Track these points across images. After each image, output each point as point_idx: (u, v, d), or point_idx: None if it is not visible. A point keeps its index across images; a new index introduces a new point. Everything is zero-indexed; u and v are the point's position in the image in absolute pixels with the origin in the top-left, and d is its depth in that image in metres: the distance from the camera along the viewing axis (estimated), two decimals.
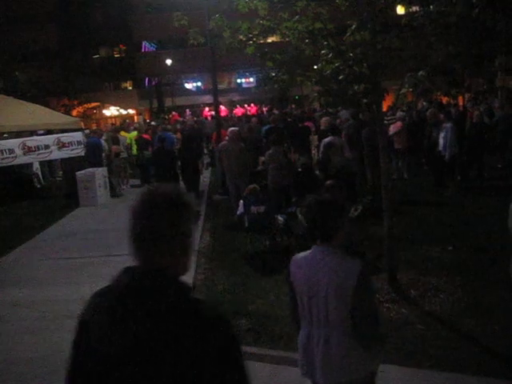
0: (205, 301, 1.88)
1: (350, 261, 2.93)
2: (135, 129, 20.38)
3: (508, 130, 12.79)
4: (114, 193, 14.86)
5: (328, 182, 8.64)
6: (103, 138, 15.67)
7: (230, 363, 1.80)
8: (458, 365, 4.75)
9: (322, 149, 10.85)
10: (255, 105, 36.65)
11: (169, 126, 20.51)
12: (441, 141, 11.39)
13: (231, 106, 37.14)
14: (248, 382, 1.91)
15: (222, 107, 34.86)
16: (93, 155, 14.80)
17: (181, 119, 28.92)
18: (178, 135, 17.18)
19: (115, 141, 15.96)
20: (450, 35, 6.31)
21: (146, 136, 17.95)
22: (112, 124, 29.83)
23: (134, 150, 17.38)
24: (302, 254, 3.11)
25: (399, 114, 13.61)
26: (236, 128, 12.06)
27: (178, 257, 1.85)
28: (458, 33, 6.33)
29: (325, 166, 9.97)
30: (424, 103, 17.76)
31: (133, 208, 1.86)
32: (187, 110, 36.88)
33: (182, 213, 1.83)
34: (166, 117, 32.06)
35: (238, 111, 34.67)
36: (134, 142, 17.57)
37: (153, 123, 23.16)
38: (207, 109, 35.00)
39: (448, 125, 11.32)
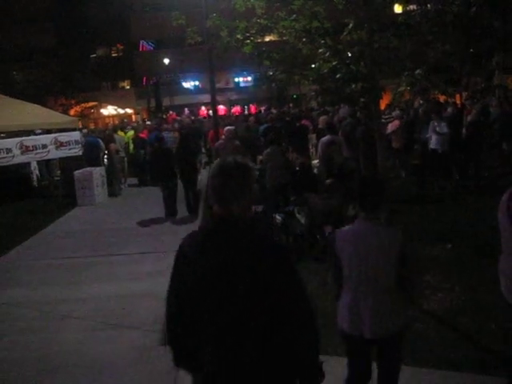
0: (267, 234, 2.59)
1: (393, 229, 3.55)
2: (132, 128, 20.40)
3: (504, 129, 12.79)
4: (113, 192, 14.86)
5: (328, 181, 8.67)
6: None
7: (288, 275, 2.43)
8: (456, 363, 4.76)
9: (321, 147, 10.84)
10: (253, 104, 36.67)
11: (165, 125, 20.55)
12: (433, 138, 11.48)
13: (230, 104, 37.14)
14: (305, 291, 2.51)
15: (221, 106, 34.93)
16: (91, 154, 14.79)
17: (178, 118, 28.90)
18: (176, 134, 17.18)
19: (111, 140, 15.96)
20: (447, 34, 6.33)
21: (142, 135, 17.97)
22: (111, 124, 29.82)
23: (131, 149, 17.40)
24: (346, 228, 3.63)
25: (396, 112, 13.60)
26: (232, 127, 12.05)
27: (245, 206, 2.50)
28: (455, 31, 6.36)
29: (327, 164, 9.98)
30: (421, 102, 17.75)
31: (212, 172, 2.52)
32: (185, 109, 36.87)
33: (246, 174, 2.51)
34: (164, 116, 32.03)
35: (236, 110, 34.68)
36: (130, 141, 17.60)
37: (148, 122, 23.12)
38: (203, 108, 34.99)
39: (442, 123, 11.33)
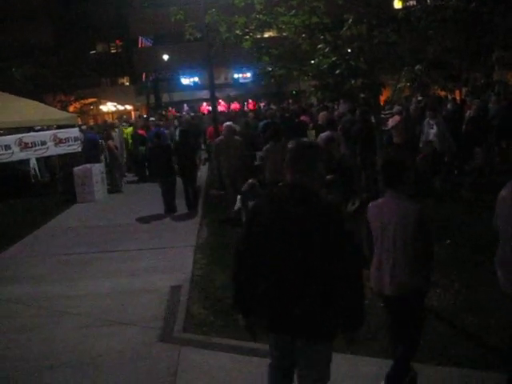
0: (331, 201, 3.32)
1: (412, 203, 3.97)
2: (131, 125, 20.39)
3: (503, 125, 12.75)
4: (114, 188, 14.87)
5: (327, 177, 8.64)
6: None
7: (342, 231, 3.06)
8: (455, 359, 4.75)
9: (320, 143, 10.81)
10: (253, 100, 36.60)
11: (161, 122, 20.55)
12: (431, 135, 11.10)
13: (229, 101, 37.08)
14: (353, 245, 3.14)
15: (222, 102, 34.88)
16: (90, 151, 14.79)
17: (178, 114, 28.87)
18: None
19: (109, 136, 15.96)
20: (446, 29, 6.30)
21: (141, 131, 17.97)
22: (110, 120, 29.82)
23: (129, 146, 17.39)
24: (375, 202, 4.23)
25: (397, 107, 13.56)
26: (230, 122, 12.02)
27: (314, 178, 3.16)
28: (455, 27, 6.33)
29: (327, 160, 9.94)
30: (419, 97, 17.73)
31: (290, 149, 3.25)
32: (185, 105, 36.83)
33: (316, 152, 3.26)
34: (163, 112, 31.99)
35: (235, 106, 34.63)
36: (129, 137, 17.58)
37: (151, 118, 23.09)
38: (205, 104, 34.92)
39: (439, 120, 11.08)
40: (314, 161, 3.19)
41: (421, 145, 11.21)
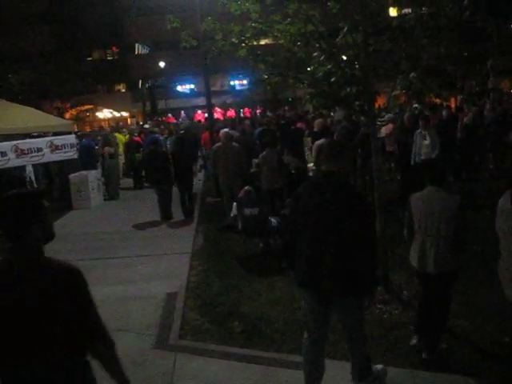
0: (352, 185, 5.45)
1: (453, 196, 4.86)
2: (128, 132, 20.44)
3: (498, 132, 12.83)
4: (110, 195, 14.86)
5: None
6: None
7: (364, 209, 4.04)
8: (450, 365, 4.77)
9: (315, 151, 10.83)
10: (249, 108, 36.65)
11: (155, 129, 20.60)
12: (424, 147, 10.51)
13: (225, 108, 37.13)
14: (372, 223, 4.25)
15: (218, 109, 34.92)
16: (86, 158, 14.79)
17: (176, 121, 28.90)
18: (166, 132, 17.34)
19: (107, 142, 15.96)
20: (441, 37, 6.34)
21: (137, 139, 17.98)
22: (109, 127, 29.83)
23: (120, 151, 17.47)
24: (418, 194, 4.96)
25: (389, 115, 13.58)
26: (227, 129, 12.04)
27: (342, 169, 4.12)
28: (450, 35, 6.37)
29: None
30: (415, 105, 17.81)
31: (325, 146, 4.36)
32: (182, 112, 36.85)
33: (344, 149, 4.29)
34: (160, 119, 32.00)
35: (231, 113, 34.67)
36: (120, 144, 17.67)
37: (147, 125, 23.08)
38: (199, 111, 34.96)
39: (431, 131, 10.62)
40: (343, 156, 4.17)
41: (412, 156, 10.75)
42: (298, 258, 4.12)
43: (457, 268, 4.86)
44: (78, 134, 17.89)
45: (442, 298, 4.92)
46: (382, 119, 13.40)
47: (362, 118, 11.73)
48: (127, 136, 18.77)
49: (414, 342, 5.10)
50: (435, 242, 4.74)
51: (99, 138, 18.31)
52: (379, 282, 4.16)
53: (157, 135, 17.06)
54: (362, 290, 4.01)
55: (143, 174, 15.77)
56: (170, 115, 36.04)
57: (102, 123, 38.87)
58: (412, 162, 10.78)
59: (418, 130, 10.72)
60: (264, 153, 10.28)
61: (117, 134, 18.95)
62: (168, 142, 16.61)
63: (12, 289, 2.55)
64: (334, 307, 4.11)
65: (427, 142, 10.48)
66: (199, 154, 16.39)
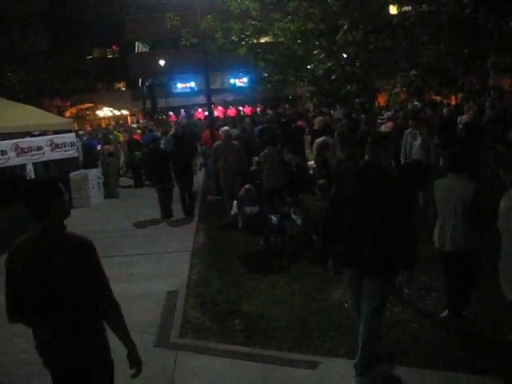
0: (392, 173, 5.28)
1: (471, 181, 5.27)
2: (125, 130, 20.47)
3: (497, 129, 12.79)
4: (110, 194, 14.86)
5: (320, 182, 8.67)
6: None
7: (403, 194, 4.40)
8: (450, 363, 4.77)
9: (315, 149, 10.80)
10: (249, 106, 36.56)
11: (153, 127, 20.62)
12: (415, 147, 9.90)
13: (225, 106, 37.06)
14: (410, 207, 4.54)
15: (219, 107, 34.87)
16: (87, 156, 14.80)
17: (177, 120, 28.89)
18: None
19: (107, 140, 15.96)
20: (441, 35, 6.34)
21: (136, 137, 17.98)
22: (110, 125, 29.83)
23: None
24: (440, 179, 5.46)
25: (389, 113, 13.55)
26: (227, 127, 12.03)
27: (384, 159, 4.49)
28: (450, 32, 6.37)
29: (321, 165, 9.97)
30: (416, 103, 17.77)
31: (371, 140, 4.54)
32: (182, 110, 36.79)
33: (388, 141, 4.65)
34: (160, 117, 31.99)
35: (231, 111, 34.60)
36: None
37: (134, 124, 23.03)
38: (200, 109, 34.90)
39: (423, 131, 10.06)
40: (385, 147, 4.53)
41: (402, 157, 10.20)
42: (340, 240, 4.55)
43: (473, 248, 5.23)
44: (79, 132, 17.92)
45: (461, 274, 5.31)
46: (382, 117, 13.36)
47: (363, 116, 11.71)
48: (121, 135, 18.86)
49: (444, 314, 5.60)
50: (452, 223, 5.20)
51: (100, 136, 18.34)
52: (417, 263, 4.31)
53: (156, 133, 17.05)
54: (395, 271, 4.44)
55: (142, 172, 15.78)
56: (171, 113, 35.96)
57: (102, 121, 38.89)
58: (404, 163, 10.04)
59: (408, 130, 10.24)
60: (265, 151, 10.27)
61: (116, 133, 18.97)
62: (162, 142, 16.58)
63: (38, 258, 3.09)
64: (364, 286, 4.50)
65: (418, 142, 9.92)
66: (199, 151, 16.38)
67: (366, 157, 4.59)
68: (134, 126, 22.31)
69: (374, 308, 4.45)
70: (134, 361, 3.36)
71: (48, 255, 3.10)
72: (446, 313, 5.59)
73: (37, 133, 15.26)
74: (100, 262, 3.32)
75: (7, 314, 3.20)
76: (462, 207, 5.12)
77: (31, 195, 3.16)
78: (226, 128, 11.65)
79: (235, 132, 13.24)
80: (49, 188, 3.21)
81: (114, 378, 3.51)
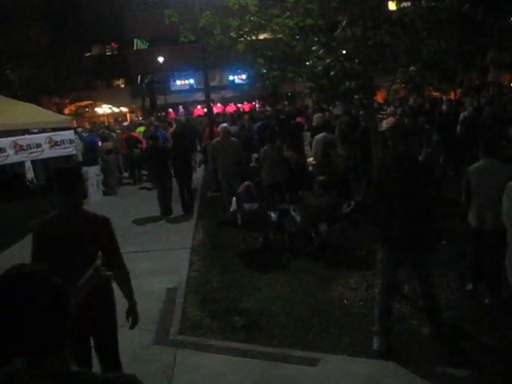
0: (425, 165, 6.00)
1: (507, 166, 5.64)
2: (140, 124, 20.47)
3: (495, 125, 12.77)
4: (110, 191, 14.85)
5: (321, 178, 8.66)
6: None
7: (434, 179, 5.21)
8: (450, 359, 4.77)
9: (316, 145, 10.77)
10: (248, 102, 36.56)
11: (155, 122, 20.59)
12: None
13: (224, 103, 37.07)
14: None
15: (218, 104, 34.87)
16: (88, 153, 14.78)
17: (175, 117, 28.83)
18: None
19: (106, 138, 15.96)
20: (440, 31, 6.32)
21: (135, 134, 17.97)
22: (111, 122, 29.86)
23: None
24: (475, 164, 5.87)
25: (391, 109, 13.56)
26: (226, 124, 12.01)
27: (413, 149, 5.48)
28: (449, 28, 6.34)
29: (322, 162, 9.98)
30: (417, 98, 17.75)
31: (400, 135, 5.80)
32: (180, 107, 36.78)
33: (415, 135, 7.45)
34: (159, 114, 31.97)
35: (231, 108, 34.61)
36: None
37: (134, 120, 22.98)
38: (199, 106, 34.90)
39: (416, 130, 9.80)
40: (415, 140, 5.24)
41: None
42: (381, 222, 5.09)
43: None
44: (78, 130, 17.89)
45: (496, 251, 5.51)
46: (384, 112, 13.33)
47: (362, 112, 11.69)
48: (139, 128, 18.92)
49: (469, 287, 6.10)
50: (491, 205, 5.46)
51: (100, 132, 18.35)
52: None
53: (161, 131, 17.02)
54: (432, 246, 5.00)
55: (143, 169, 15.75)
56: (170, 110, 35.96)
57: (101, 119, 38.87)
58: None
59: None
60: (265, 147, 10.27)
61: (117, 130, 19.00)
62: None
63: (65, 230, 3.60)
64: (411, 262, 5.17)
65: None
66: (198, 148, 16.36)
67: (396, 148, 5.37)
68: (126, 123, 22.29)
69: (429, 274, 5.21)
70: (134, 315, 4.06)
71: (73, 227, 3.62)
72: (470, 286, 6.09)
73: (35, 130, 15.27)
74: (115, 232, 3.90)
75: None
76: (498, 190, 5.19)
77: (59, 178, 3.75)
78: (224, 125, 11.63)
79: (234, 129, 13.22)
80: (73, 172, 3.88)
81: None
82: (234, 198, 8.85)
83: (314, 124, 12.82)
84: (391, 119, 12.73)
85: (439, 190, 5.54)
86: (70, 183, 3.70)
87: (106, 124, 28.07)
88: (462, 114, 13.42)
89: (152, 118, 24.84)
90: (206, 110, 20.39)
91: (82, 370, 1.68)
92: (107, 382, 1.67)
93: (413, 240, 4.85)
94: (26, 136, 14.45)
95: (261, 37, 7.52)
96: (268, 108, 25.93)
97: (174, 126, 19.55)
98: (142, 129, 19.08)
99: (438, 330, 5.14)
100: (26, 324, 1.57)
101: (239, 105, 36.86)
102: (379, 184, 5.24)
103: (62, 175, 3.80)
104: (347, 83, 6.51)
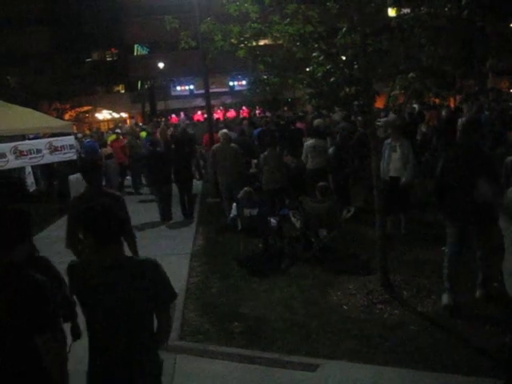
0: (487, 153, 6.67)
1: None
2: (143, 129, 20.48)
3: (495, 131, 12.79)
4: None
5: (320, 184, 8.68)
6: None
7: (493, 163, 6.01)
8: (450, 365, 4.77)
9: (306, 151, 10.77)
10: (247, 108, 36.66)
11: (148, 129, 20.60)
12: (384, 164, 8.75)
13: (226, 108, 37.18)
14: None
15: (219, 109, 34.98)
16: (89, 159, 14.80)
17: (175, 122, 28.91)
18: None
19: (105, 144, 16.00)
20: (440, 37, 6.34)
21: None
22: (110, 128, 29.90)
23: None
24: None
25: (391, 116, 13.58)
26: (225, 130, 12.04)
27: (476, 140, 5.95)
28: (448, 35, 6.37)
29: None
30: (414, 105, 17.80)
31: (464, 124, 6.34)
32: (181, 113, 36.87)
33: (476, 125, 6.11)
34: (158, 120, 32.05)
35: (231, 114, 34.71)
36: None
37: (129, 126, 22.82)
38: (199, 112, 35.00)
39: (403, 142, 8.81)
40: (475, 130, 5.84)
41: (381, 172, 8.26)
42: (448, 201, 5.86)
43: None
44: (78, 135, 17.91)
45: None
46: (383, 119, 13.34)
47: (359, 118, 11.69)
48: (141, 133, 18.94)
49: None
50: None
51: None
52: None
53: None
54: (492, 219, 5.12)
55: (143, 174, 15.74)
56: (173, 115, 36.07)
57: (101, 124, 38.92)
58: (381, 181, 7.57)
59: (388, 140, 8.98)
60: (265, 153, 10.29)
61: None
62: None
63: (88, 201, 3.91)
64: (476, 233, 5.84)
65: (397, 155, 8.74)
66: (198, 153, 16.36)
67: (462, 140, 6.17)
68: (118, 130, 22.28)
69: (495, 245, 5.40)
70: None
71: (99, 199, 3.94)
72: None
73: (32, 136, 15.29)
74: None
75: (66, 239, 5.76)
76: None
77: (86, 168, 5.13)
78: (224, 131, 11.65)
79: (233, 135, 13.24)
80: (94, 164, 5.06)
81: None
82: (234, 204, 8.86)
83: (314, 129, 12.84)
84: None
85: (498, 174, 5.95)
86: (93, 170, 5.03)
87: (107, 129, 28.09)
88: (460, 120, 13.42)
89: (151, 124, 24.94)
90: (205, 115, 20.42)
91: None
92: (131, 260, 3.25)
93: (475, 215, 5.49)
94: (27, 141, 14.46)
95: (261, 43, 7.54)
96: (268, 114, 25.98)
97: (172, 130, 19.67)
98: (143, 134, 19.10)
99: (488, 293, 5.96)
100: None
101: (239, 110, 36.96)
102: (449, 169, 5.87)
103: (87, 166, 5.12)
104: (347, 89, 6.53)
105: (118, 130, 18.65)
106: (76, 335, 4.01)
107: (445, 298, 5.96)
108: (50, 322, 2.89)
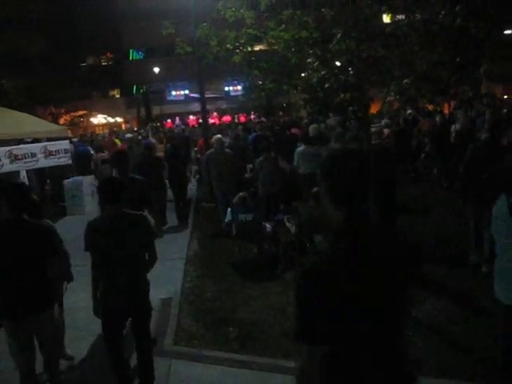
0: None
1: None
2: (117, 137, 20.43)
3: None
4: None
5: (314, 190, 8.69)
6: None
7: None
8: (444, 370, 4.78)
9: (296, 158, 10.75)
10: (243, 113, 36.73)
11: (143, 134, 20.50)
12: None
13: (221, 113, 37.24)
14: None
15: (215, 114, 35.04)
16: (82, 163, 14.78)
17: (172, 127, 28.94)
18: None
19: (100, 149, 15.99)
20: (434, 43, 6.38)
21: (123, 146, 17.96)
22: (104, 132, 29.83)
23: None
24: None
25: (385, 121, 13.64)
26: (220, 135, 12.05)
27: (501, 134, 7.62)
28: (442, 41, 6.41)
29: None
30: (409, 111, 17.87)
31: (489, 121, 9.37)
32: (177, 118, 36.90)
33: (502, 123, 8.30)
34: (154, 125, 32.08)
35: (227, 119, 34.77)
36: None
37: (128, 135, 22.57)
38: (191, 117, 35.05)
39: None
40: (499, 128, 6.82)
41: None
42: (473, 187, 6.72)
43: None
44: (73, 140, 17.89)
45: None
46: (379, 125, 13.38)
47: (353, 123, 11.73)
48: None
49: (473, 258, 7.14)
50: None
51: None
52: None
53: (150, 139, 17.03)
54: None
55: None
56: (169, 120, 36.10)
57: (96, 129, 38.89)
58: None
59: None
60: (261, 158, 10.30)
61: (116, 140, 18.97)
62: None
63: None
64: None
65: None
66: (193, 158, 16.37)
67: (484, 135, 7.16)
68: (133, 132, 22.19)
69: None
70: None
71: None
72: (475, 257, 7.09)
73: (29, 140, 15.26)
74: None
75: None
76: None
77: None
78: (218, 136, 11.66)
79: (226, 140, 13.26)
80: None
81: None
82: (229, 209, 8.86)
83: (310, 135, 12.87)
84: (386, 131, 12.76)
85: None
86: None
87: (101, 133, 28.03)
88: (453, 126, 13.50)
89: (147, 128, 24.88)
90: (200, 120, 20.43)
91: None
92: (128, 213, 4.55)
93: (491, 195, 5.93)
94: (21, 146, 14.42)
95: (256, 49, 7.58)
96: (263, 119, 26.03)
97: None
98: (117, 141, 19.13)
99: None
100: None
101: (235, 115, 37.01)
102: (474, 161, 6.75)
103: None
104: (342, 95, 6.57)
105: (129, 135, 18.43)
106: (71, 279, 5.27)
107: (472, 256, 7.14)
108: (59, 248, 4.60)
